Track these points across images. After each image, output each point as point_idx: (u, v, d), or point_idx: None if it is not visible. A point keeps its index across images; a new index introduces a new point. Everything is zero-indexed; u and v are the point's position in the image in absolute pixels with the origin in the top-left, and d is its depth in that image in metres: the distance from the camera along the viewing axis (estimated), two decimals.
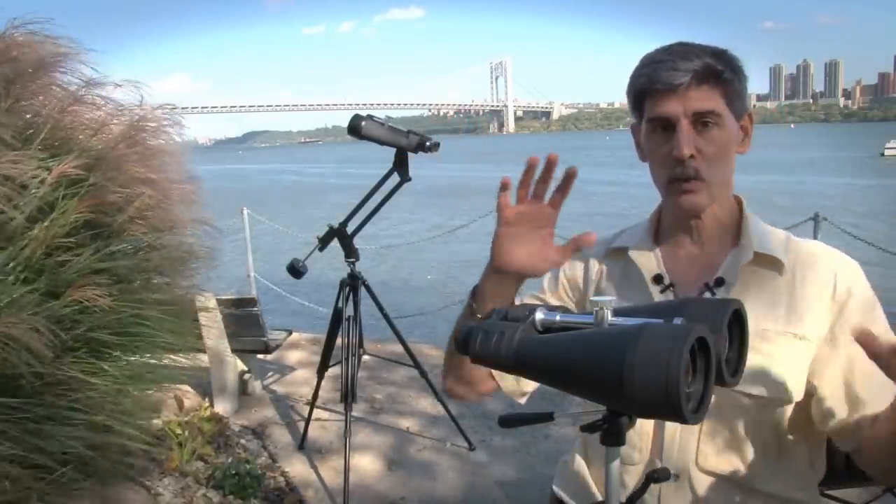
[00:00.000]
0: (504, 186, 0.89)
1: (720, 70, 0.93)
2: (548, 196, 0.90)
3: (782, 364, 0.94)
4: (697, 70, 0.92)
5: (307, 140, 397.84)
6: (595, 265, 1.12)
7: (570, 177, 0.87)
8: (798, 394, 0.95)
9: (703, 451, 0.98)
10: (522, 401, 1.14)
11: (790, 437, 0.98)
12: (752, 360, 0.91)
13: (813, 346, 0.95)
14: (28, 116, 2.08)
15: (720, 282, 1.00)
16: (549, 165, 0.87)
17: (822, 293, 0.96)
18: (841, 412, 0.95)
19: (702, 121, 0.94)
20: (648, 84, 0.95)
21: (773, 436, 0.98)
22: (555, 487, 1.17)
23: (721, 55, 0.95)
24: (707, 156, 0.95)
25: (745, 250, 0.99)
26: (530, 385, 1.10)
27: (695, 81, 0.92)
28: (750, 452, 0.97)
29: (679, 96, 0.93)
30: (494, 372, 1.08)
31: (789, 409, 0.97)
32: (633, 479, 1.02)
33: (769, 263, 0.99)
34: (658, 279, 1.03)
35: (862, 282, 0.98)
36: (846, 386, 0.94)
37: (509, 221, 0.91)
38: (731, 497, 0.98)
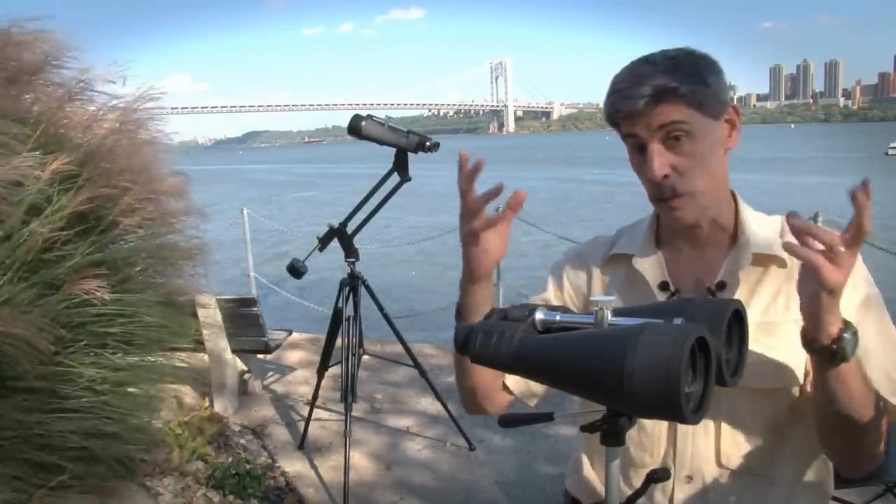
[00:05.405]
0: (465, 164, 0.91)
1: (673, 87, 0.92)
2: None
3: (785, 351, 0.95)
4: (650, 94, 0.92)
5: (310, 140, 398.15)
6: (597, 272, 1.11)
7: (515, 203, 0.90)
8: (801, 376, 0.96)
9: (724, 449, 0.99)
10: (533, 402, 1.13)
11: (805, 421, 0.99)
12: (758, 353, 0.92)
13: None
14: (25, 116, 2.09)
15: (721, 285, 1.00)
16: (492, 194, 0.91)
17: None
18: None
19: (672, 135, 0.94)
20: (612, 112, 0.97)
21: (789, 423, 0.98)
22: (567, 487, 1.17)
23: (677, 67, 0.93)
24: (682, 170, 0.95)
25: (744, 252, 0.99)
26: (540, 387, 1.10)
27: (651, 104, 0.93)
28: (768, 443, 0.98)
29: (641, 119, 0.94)
30: (506, 379, 1.09)
31: (800, 393, 0.98)
32: (642, 480, 1.03)
33: (769, 260, 0.99)
34: (664, 286, 1.03)
35: (857, 264, 0.96)
36: None
37: (474, 211, 0.93)
38: (749, 490, 0.99)
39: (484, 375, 1.06)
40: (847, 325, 0.82)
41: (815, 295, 0.79)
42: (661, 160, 0.94)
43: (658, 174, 0.94)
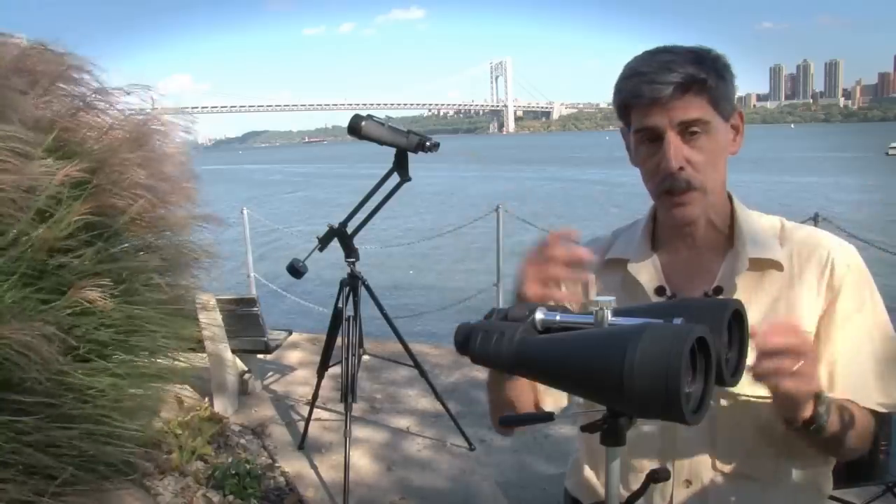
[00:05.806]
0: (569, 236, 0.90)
1: (703, 78, 0.91)
2: None
3: None
4: (679, 82, 0.90)
5: (310, 140, 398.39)
6: (592, 277, 1.10)
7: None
8: None
9: (721, 455, 0.98)
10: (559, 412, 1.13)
11: None
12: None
13: (810, 336, 0.95)
14: (38, 122, 2.11)
15: (718, 291, 0.99)
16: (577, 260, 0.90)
17: (818, 281, 0.96)
18: None
19: (689, 129, 0.93)
20: (631, 97, 0.94)
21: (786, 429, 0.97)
22: (567, 487, 1.17)
23: (703, 60, 0.93)
24: (697, 165, 0.94)
25: (740, 258, 0.98)
26: (564, 398, 1.08)
27: (678, 92, 0.91)
28: (765, 448, 0.98)
29: (663, 108, 0.92)
30: (538, 393, 1.07)
31: None
32: (640, 483, 1.02)
33: (766, 264, 0.98)
34: (660, 291, 1.02)
35: (857, 266, 0.97)
36: (826, 366, 0.96)
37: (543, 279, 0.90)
38: (747, 493, 0.98)
39: (521, 399, 1.04)
40: (819, 398, 0.85)
41: (793, 401, 0.83)
42: (678, 151, 0.93)
43: (674, 165, 0.93)
